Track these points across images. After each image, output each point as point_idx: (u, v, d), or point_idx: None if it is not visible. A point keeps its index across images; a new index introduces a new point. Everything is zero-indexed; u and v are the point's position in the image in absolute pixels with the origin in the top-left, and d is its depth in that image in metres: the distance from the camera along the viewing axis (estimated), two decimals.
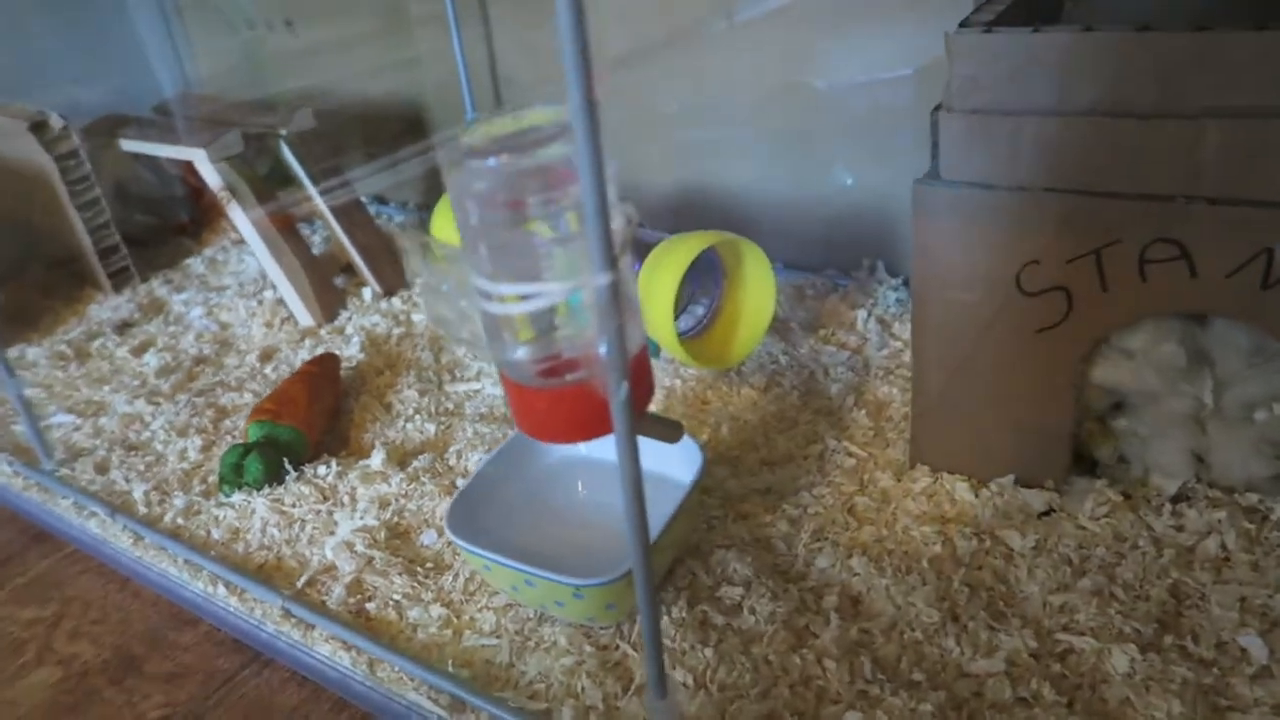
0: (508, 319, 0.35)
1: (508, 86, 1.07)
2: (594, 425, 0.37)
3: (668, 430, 0.42)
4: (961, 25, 0.50)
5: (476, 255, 0.34)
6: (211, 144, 0.89)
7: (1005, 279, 0.52)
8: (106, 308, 0.98)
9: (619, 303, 0.32)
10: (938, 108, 0.51)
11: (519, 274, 0.33)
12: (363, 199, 1.03)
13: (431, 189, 1.18)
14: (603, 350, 0.32)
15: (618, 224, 0.32)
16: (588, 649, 0.51)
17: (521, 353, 0.36)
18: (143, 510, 0.67)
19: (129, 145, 0.97)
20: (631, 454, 0.34)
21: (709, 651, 0.50)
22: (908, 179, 0.53)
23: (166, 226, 1.12)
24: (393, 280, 0.95)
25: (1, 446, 0.77)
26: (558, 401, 0.36)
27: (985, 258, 0.52)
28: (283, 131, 0.93)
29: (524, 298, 0.33)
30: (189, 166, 0.95)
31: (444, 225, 0.88)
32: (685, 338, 0.72)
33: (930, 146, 0.52)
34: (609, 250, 0.31)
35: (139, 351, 0.89)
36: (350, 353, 0.83)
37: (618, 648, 0.51)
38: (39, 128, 0.92)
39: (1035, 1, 0.58)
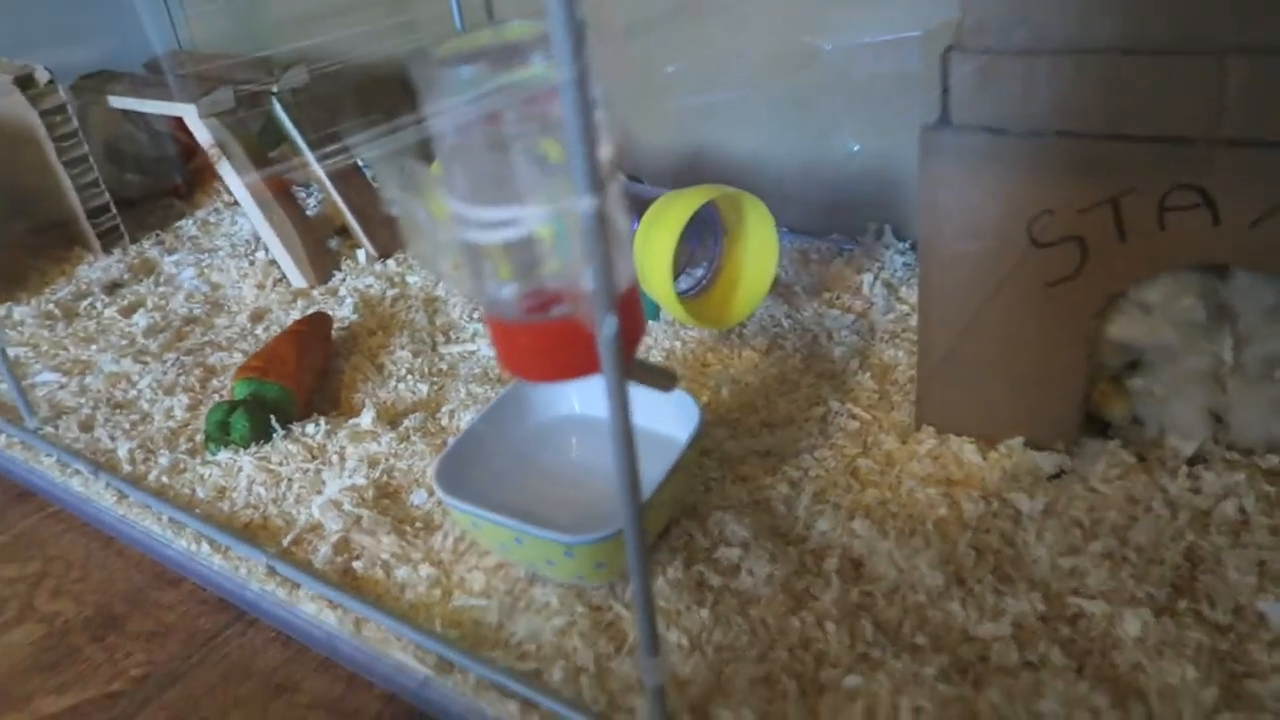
0: (487, 250, 0.33)
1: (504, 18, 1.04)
2: (582, 363, 0.35)
3: (661, 378, 0.40)
4: None
5: (453, 178, 0.32)
6: (201, 99, 0.87)
7: (1017, 229, 0.50)
8: (95, 268, 0.96)
9: (604, 230, 0.30)
10: (949, 49, 0.48)
11: (498, 198, 0.31)
12: (359, 163, 1.00)
13: (430, 155, 1.15)
14: (589, 282, 0.30)
15: (604, 149, 0.30)
16: (579, 609, 0.50)
17: (505, 289, 0.34)
18: (127, 468, 0.66)
19: (118, 101, 0.95)
20: (620, 393, 0.33)
21: (705, 613, 0.48)
22: (915, 143, 0.51)
23: (158, 187, 1.10)
24: (388, 243, 0.93)
25: None
26: (541, 337, 0.34)
27: (996, 207, 0.49)
28: (275, 89, 0.91)
29: (503, 224, 0.31)
30: (180, 124, 0.93)
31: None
32: (685, 297, 0.70)
33: (940, 91, 0.49)
34: (594, 171, 0.29)
35: (128, 311, 0.87)
36: (343, 314, 0.81)
37: (610, 608, 0.50)
38: (24, 82, 0.90)
39: None
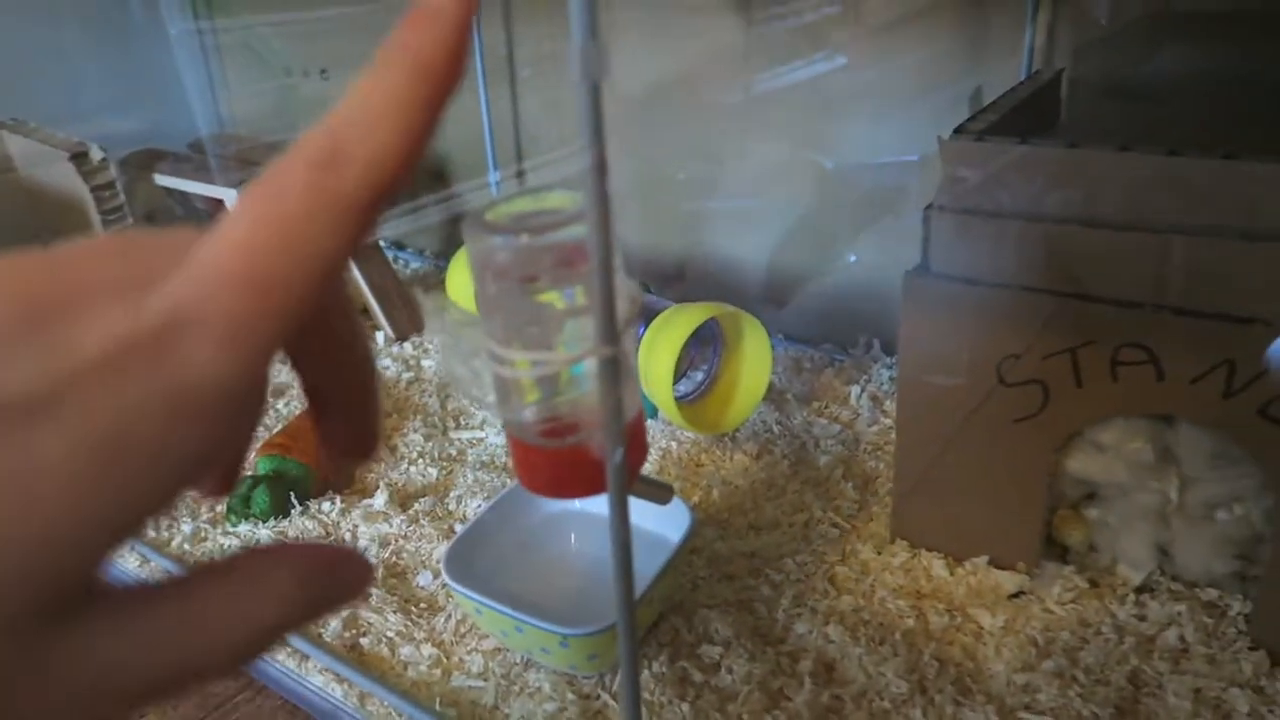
0: (516, 382, 0.38)
1: (531, 144, 1.11)
2: (590, 484, 0.39)
3: (659, 492, 0.45)
4: (956, 131, 0.54)
5: (491, 322, 0.37)
6: (242, 184, 0.93)
7: (987, 369, 0.55)
8: None
9: (618, 374, 0.35)
10: (929, 206, 0.54)
11: (529, 342, 0.36)
12: (380, 243, 1.06)
13: (449, 238, 1.22)
14: (601, 416, 0.35)
15: (623, 303, 0.36)
16: (570, 696, 0.53)
17: (526, 414, 0.39)
18: (150, 534, 0.70)
19: (163, 180, 1.01)
20: (622, 514, 0.37)
21: (686, 707, 0.52)
22: (908, 261, 0.56)
23: None
24: (405, 326, 0.98)
25: None
26: (557, 460, 0.39)
27: (968, 348, 0.55)
28: None
29: (533, 364, 0.36)
30: (219, 204, 0.99)
31: (458, 281, 0.92)
32: (683, 402, 0.75)
33: (922, 241, 0.55)
34: (613, 324, 0.34)
35: None
36: None
37: (599, 697, 0.54)
38: (79, 158, 0.97)
39: (1035, 106, 0.62)
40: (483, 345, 0.38)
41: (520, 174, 1.12)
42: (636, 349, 0.38)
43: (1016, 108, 0.59)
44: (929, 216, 0.54)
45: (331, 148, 0.17)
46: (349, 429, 0.23)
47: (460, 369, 0.39)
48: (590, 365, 0.36)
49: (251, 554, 0.18)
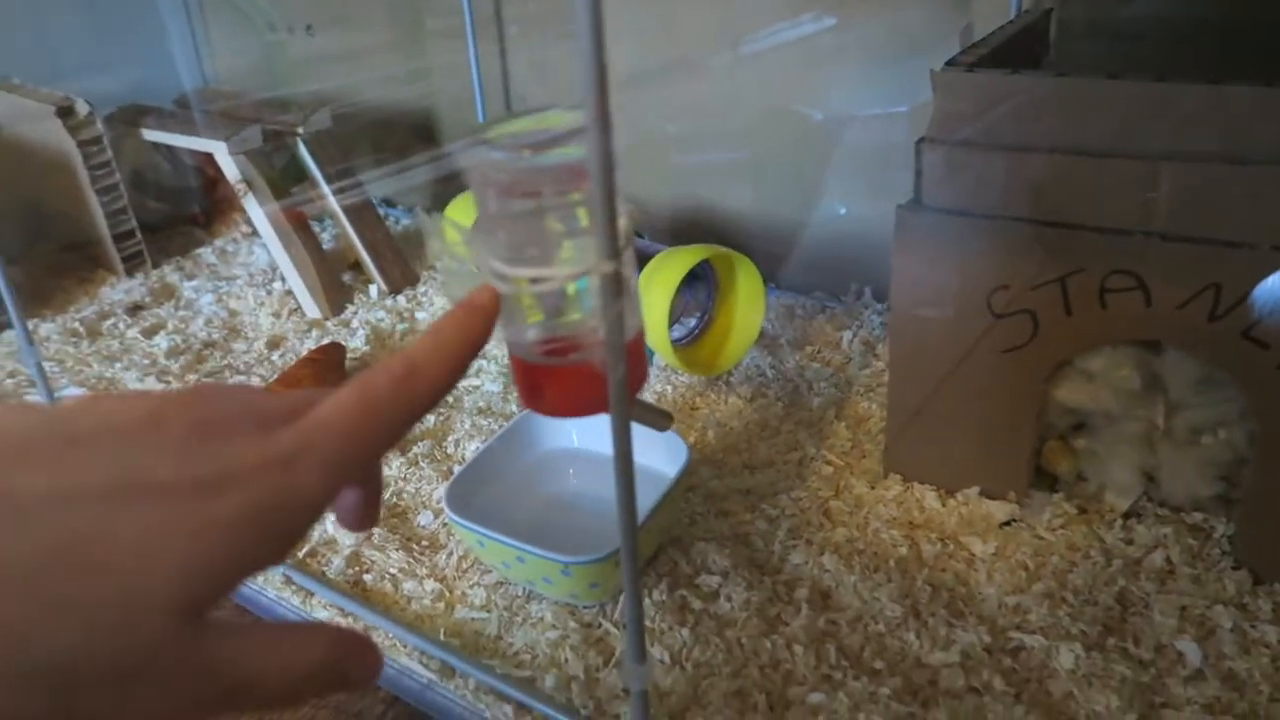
0: (519, 300, 0.38)
1: (518, 104, 1.11)
2: (592, 402, 0.40)
3: (658, 418, 0.46)
4: (947, 64, 0.54)
5: (494, 240, 0.37)
6: (232, 137, 0.93)
7: (977, 301, 0.56)
8: (119, 290, 1.01)
9: (620, 290, 0.36)
10: (921, 140, 0.55)
11: (532, 259, 0.37)
12: (372, 200, 1.06)
13: (438, 195, 1.21)
14: (603, 332, 0.36)
15: (622, 221, 0.36)
16: (572, 625, 0.55)
17: (529, 333, 0.40)
18: None
19: (151, 135, 1.01)
20: (624, 425, 0.38)
21: (686, 632, 0.53)
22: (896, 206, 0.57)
23: (179, 215, 1.16)
24: (398, 279, 0.99)
25: None
26: (560, 378, 0.40)
27: (959, 280, 0.56)
28: (301, 130, 0.97)
29: (535, 280, 0.37)
30: (207, 158, 0.99)
31: (449, 231, 0.92)
32: (678, 345, 0.76)
33: (914, 175, 0.56)
34: (614, 241, 0.35)
35: (149, 333, 0.92)
36: (355, 344, 0.87)
37: (600, 625, 0.55)
38: (65, 112, 0.96)
39: (1024, 43, 0.63)
40: (485, 264, 0.38)
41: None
42: (636, 270, 0.39)
43: (1005, 43, 0.59)
44: (920, 150, 0.55)
45: (409, 369, 0.29)
46: (363, 513, 0.34)
47: (461, 292, 0.39)
48: (592, 283, 0.37)
49: (310, 625, 0.26)
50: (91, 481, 0.21)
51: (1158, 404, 0.55)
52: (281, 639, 0.25)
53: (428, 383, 0.29)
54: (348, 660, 0.27)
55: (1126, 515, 0.58)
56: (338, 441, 0.25)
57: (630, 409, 0.39)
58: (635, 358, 0.41)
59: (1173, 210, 0.48)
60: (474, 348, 0.32)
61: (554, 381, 0.40)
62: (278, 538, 0.24)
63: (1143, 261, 0.50)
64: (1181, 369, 0.53)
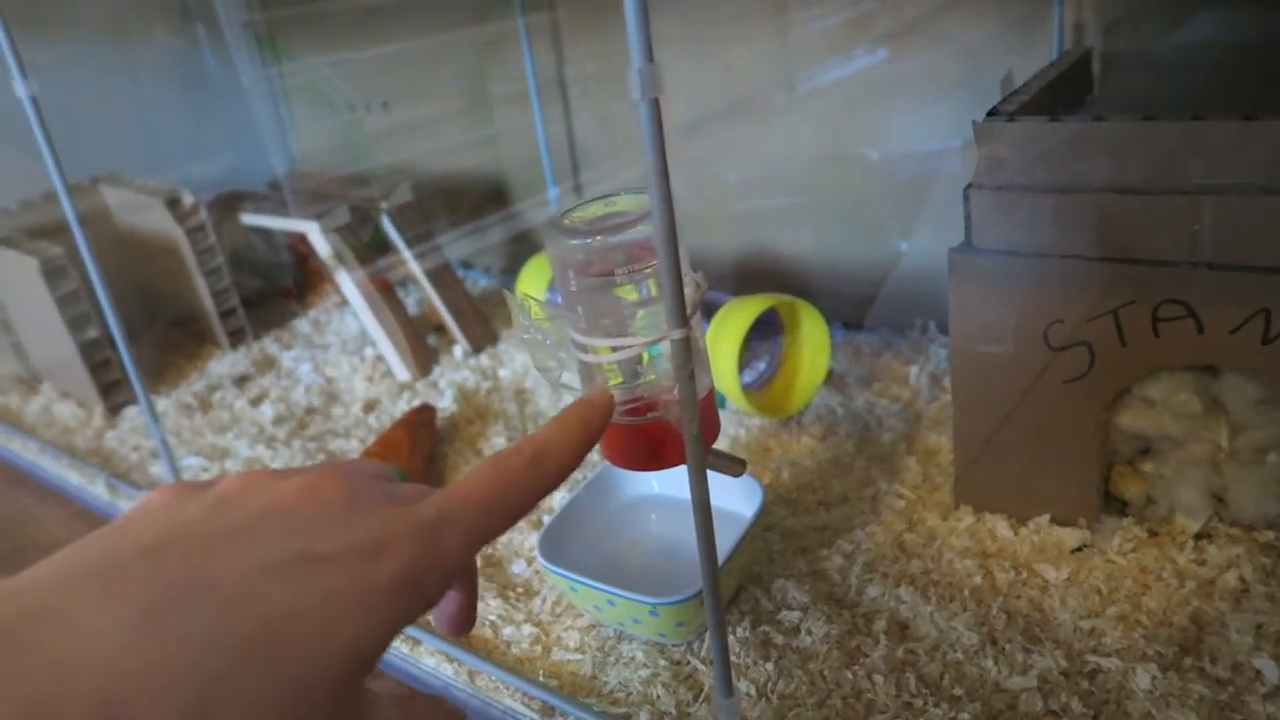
0: (599, 367, 0.42)
1: (585, 158, 1.16)
2: (669, 456, 0.44)
3: (733, 465, 0.49)
4: (989, 114, 0.57)
5: (574, 314, 0.42)
6: (323, 217, 1.00)
7: (1034, 335, 0.58)
8: (224, 363, 1.09)
9: (690, 353, 0.39)
10: (969, 186, 0.58)
11: (609, 330, 0.41)
12: (451, 264, 1.13)
13: (513, 255, 1.27)
14: (677, 393, 0.39)
15: (689, 289, 0.40)
16: (661, 663, 0.58)
17: (617, 396, 0.44)
18: None
19: (249, 219, 1.08)
20: (701, 478, 0.42)
21: (770, 666, 0.56)
22: (956, 241, 0.59)
23: (274, 290, 1.24)
24: (480, 338, 1.04)
25: (141, 484, 0.87)
26: (638, 436, 0.44)
27: (1014, 317, 0.58)
28: (384, 204, 1.04)
29: (613, 349, 0.41)
30: (300, 237, 1.06)
31: (527, 292, 0.97)
32: (748, 390, 0.79)
33: (964, 218, 0.59)
34: (683, 310, 0.38)
35: (255, 402, 0.99)
36: (444, 404, 0.92)
37: (688, 662, 0.58)
38: (173, 204, 1.05)
39: (1067, 82, 0.65)
40: (567, 337, 0.43)
41: (577, 188, 1.17)
42: (703, 333, 0.42)
43: (1047, 87, 0.62)
44: (969, 195, 0.57)
45: (538, 452, 0.33)
46: (463, 617, 0.36)
47: (546, 359, 0.44)
48: (665, 348, 0.41)
49: (425, 697, 0.31)
50: (276, 560, 0.24)
51: (1220, 426, 0.56)
52: (408, 708, 0.29)
53: (553, 466, 0.33)
54: None
55: (1198, 536, 0.59)
56: (476, 512, 0.29)
57: (705, 459, 0.43)
58: (707, 413, 0.45)
59: (1217, 241, 0.50)
60: (593, 439, 0.36)
61: (634, 439, 0.44)
62: (423, 600, 0.27)
63: (1191, 290, 0.52)
64: (1241, 391, 0.55)
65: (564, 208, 0.43)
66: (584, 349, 0.42)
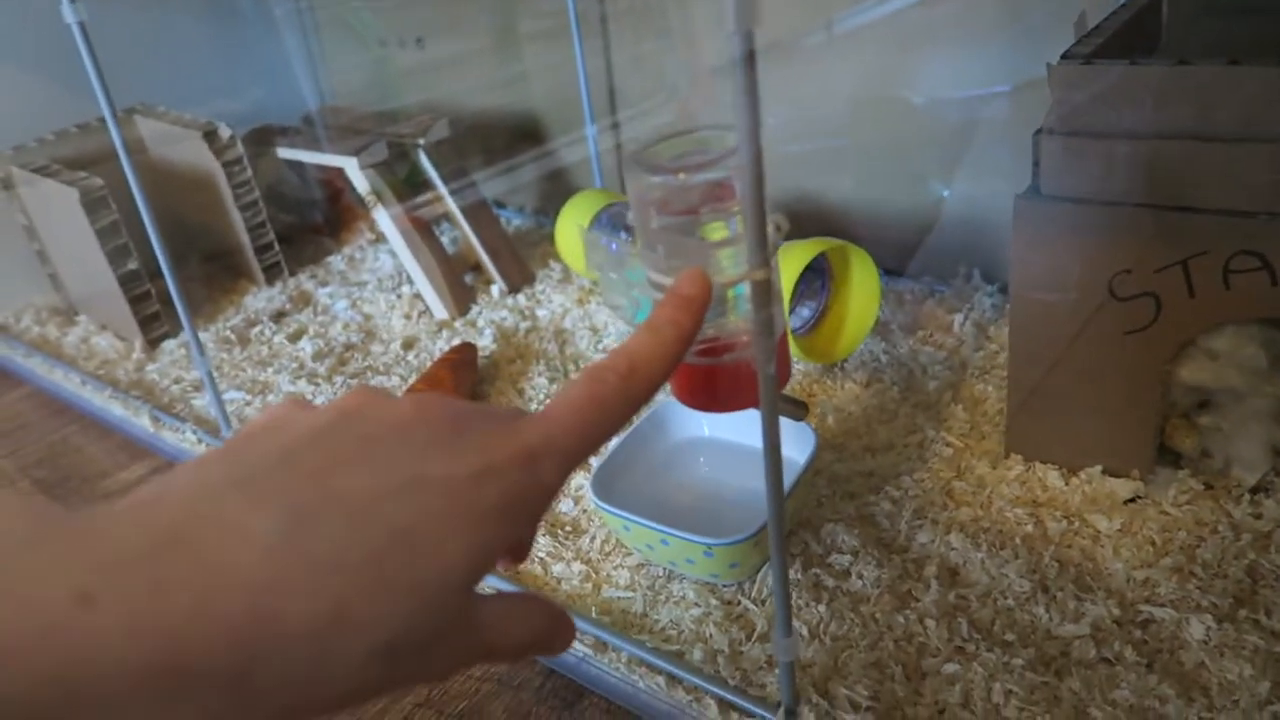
0: None
1: (622, 97, 1.15)
2: (741, 397, 0.44)
3: (796, 409, 0.49)
4: (1064, 56, 0.56)
5: (654, 253, 0.41)
6: (361, 152, 0.99)
7: (1098, 285, 0.57)
8: (260, 298, 1.08)
9: (770, 294, 0.39)
10: (1039, 131, 0.57)
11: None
12: (488, 202, 1.12)
13: (546, 193, 1.26)
14: (755, 333, 0.39)
15: (770, 230, 0.40)
16: (713, 602, 0.58)
17: None
18: None
19: (285, 153, 1.07)
20: (773, 420, 0.41)
21: (822, 608, 0.57)
22: (1002, 191, 0.58)
23: (305, 226, 1.23)
24: (517, 279, 1.04)
25: (185, 417, 0.87)
26: (713, 376, 0.43)
27: (1080, 266, 0.57)
28: (421, 141, 1.03)
29: None
30: (336, 172, 1.05)
31: (565, 232, 0.96)
32: (795, 335, 0.79)
33: (1032, 165, 0.58)
34: (765, 250, 0.38)
35: (294, 338, 0.99)
36: (484, 343, 0.92)
37: (739, 603, 0.58)
38: (210, 136, 1.04)
39: (1138, 28, 0.64)
40: (644, 275, 0.42)
41: (615, 126, 1.16)
42: (778, 274, 0.42)
43: (1119, 30, 0.60)
44: (1038, 141, 0.56)
45: (631, 367, 0.31)
46: (521, 547, 0.36)
47: (620, 298, 0.44)
48: (745, 288, 0.41)
49: (532, 597, 0.31)
50: (396, 479, 0.25)
51: None
52: (516, 609, 0.30)
53: (646, 380, 0.32)
54: (556, 631, 0.31)
55: (1254, 490, 0.59)
56: (574, 438, 0.29)
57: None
58: (781, 355, 0.44)
59: None
60: (688, 341, 0.34)
61: (708, 380, 0.44)
62: (524, 523, 0.28)
63: (1268, 242, 0.51)
64: None
65: (645, 143, 0.42)
66: (662, 288, 0.41)
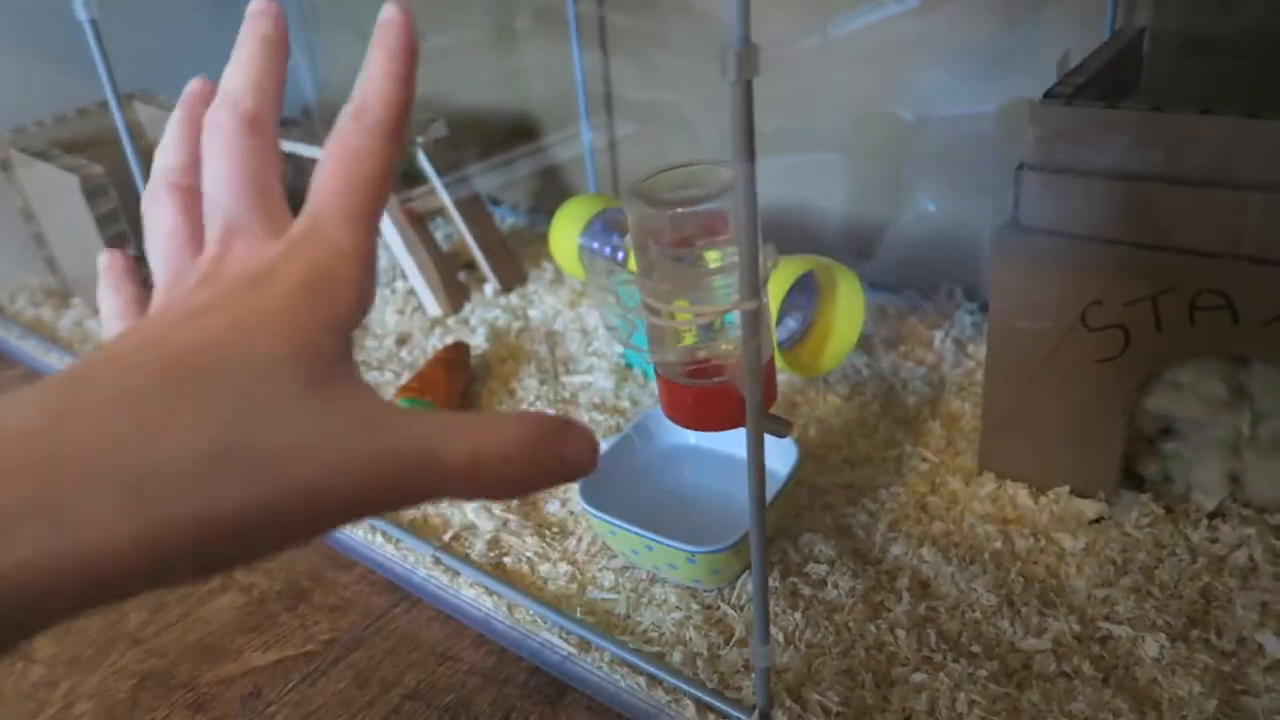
0: (672, 330, 0.44)
1: (614, 96, 1.16)
2: (728, 418, 0.46)
3: (781, 426, 0.52)
4: (1046, 95, 0.58)
5: (650, 279, 0.43)
6: None
7: (1071, 315, 0.60)
8: None
9: (759, 324, 0.41)
10: (1020, 166, 0.59)
11: (684, 296, 0.43)
12: (483, 199, 1.13)
13: (539, 192, 1.28)
14: (744, 358, 0.41)
15: (763, 262, 0.42)
16: (694, 606, 0.61)
17: (673, 356, 0.46)
18: None
19: (288, 146, 1.09)
20: (759, 442, 0.44)
21: (798, 615, 0.59)
22: (986, 209, 0.61)
23: (296, 214, 1.24)
24: (510, 277, 1.06)
25: None
26: (701, 397, 0.46)
27: (1054, 296, 0.60)
28: (420, 140, 1.04)
29: (695, 315, 0.43)
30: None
31: (560, 237, 0.98)
32: (779, 347, 0.81)
33: (1012, 197, 0.60)
34: (756, 282, 0.40)
35: None
36: (476, 342, 0.94)
37: (719, 607, 0.61)
38: None
39: (1119, 66, 0.66)
40: (640, 299, 0.44)
41: (609, 124, 1.17)
42: (766, 301, 0.44)
43: (1101, 70, 0.63)
44: (1019, 176, 0.59)
45: (360, 107, 0.29)
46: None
47: (615, 320, 0.46)
48: (737, 317, 0.43)
49: (510, 412, 0.28)
50: (191, 310, 0.26)
51: (1244, 412, 0.58)
52: (472, 419, 0.27)
53: (380, 105, 0.29)
54: (550, 437, 0.27)
55: (1212, 515, 0.62)
56: (341, 195, 0.28)
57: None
58: (767, 379, 0.47)
59: (1262, 236, 0.52)
60: (408, 62, 0.30)
61: (696, 400, 0.46)
62: (343, 287, 0.27)
63: (1231, 282, 0.54)
64: (1268, 381, 0.57)
65: (644, 175, 0.44)
66: (657, 313, 0.44)
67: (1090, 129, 0.56)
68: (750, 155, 0.38)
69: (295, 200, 0.98)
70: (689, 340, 0.44)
